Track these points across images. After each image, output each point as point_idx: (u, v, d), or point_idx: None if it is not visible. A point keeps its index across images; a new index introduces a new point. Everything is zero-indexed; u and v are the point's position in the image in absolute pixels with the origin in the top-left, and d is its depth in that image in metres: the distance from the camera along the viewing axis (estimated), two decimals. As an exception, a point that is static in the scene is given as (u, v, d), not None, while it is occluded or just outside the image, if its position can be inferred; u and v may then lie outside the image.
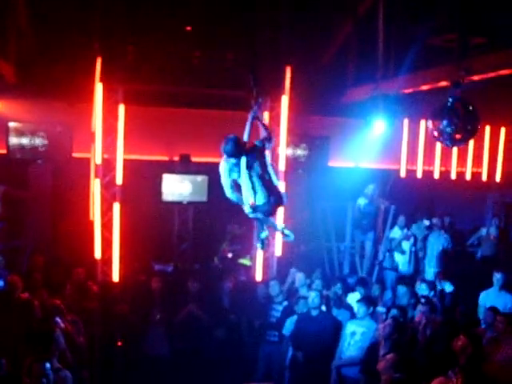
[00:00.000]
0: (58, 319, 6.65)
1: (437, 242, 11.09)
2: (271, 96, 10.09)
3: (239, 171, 5.61)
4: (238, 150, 5.57)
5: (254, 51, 8.53)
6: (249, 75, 6.31)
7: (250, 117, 6.01)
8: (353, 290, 9.18)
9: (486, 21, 8.09)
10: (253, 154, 5.70)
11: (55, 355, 5.73)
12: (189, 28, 9.99)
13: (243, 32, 9.48)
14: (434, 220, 11.36)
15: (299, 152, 11.44)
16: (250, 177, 5.64)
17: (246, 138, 5.86)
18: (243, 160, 5.59)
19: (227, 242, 11.18)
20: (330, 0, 9.80)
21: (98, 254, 9.62)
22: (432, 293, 8.59)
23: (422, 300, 7.88)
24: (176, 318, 8.97)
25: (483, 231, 11.77)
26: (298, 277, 9.25)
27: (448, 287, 8.80)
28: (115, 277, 9.64)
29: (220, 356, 8.82)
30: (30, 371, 5.21)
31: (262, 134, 6.00)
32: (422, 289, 8.72)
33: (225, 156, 5.63)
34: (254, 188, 5.66)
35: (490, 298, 8.45)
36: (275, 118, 10.17)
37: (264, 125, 6.15)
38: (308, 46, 10.60)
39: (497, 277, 8.52)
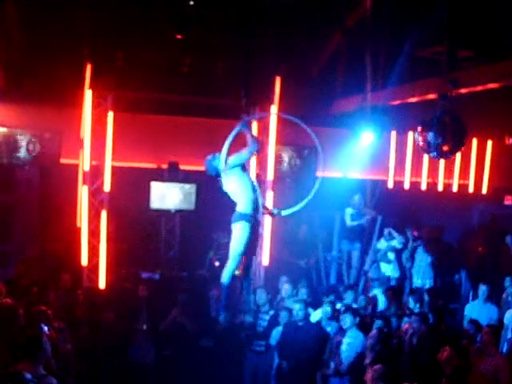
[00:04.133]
0: (43, 326, 6.59)
1: (425, 254, 11.11)
2: (260, 105, 10.13)
3: None
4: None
5: (248, 63, 8.59)
6: (238, 84, 6.39)
7: (238, 126, 6.08)
8: (341, 299, 9.21)
9: (474, 34, 8.18)
10: None
11: (41, 362, 5.67)
12: (179, 36, 10.02)
13: (233, 41, 9.54)
14: (424, 231, 11.39)
15: (287, 161, 11.46)
16: None
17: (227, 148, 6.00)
18: None
19: (214, 251, 11.16)
20: (320, 12, 9.85)
21: (84, 261, 9.57)
22: (418, 305, 8.62)
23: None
24: (161, 325, 8.94)
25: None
26: (285, 288, 9.25)
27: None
28: (101, 284, 9.59)
29: (206, 365, 8.79)
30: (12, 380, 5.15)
31: (250, 145, 6.04)
32: (408, 302, 8.76)
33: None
34: None
35: (475, 310, 8.50)
36: (264, 128, 10.20)
37: (253, 136, 6.21)
38: (298, 57, 10.66)
39: (482, 289, 8.58)
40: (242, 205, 5.85)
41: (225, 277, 6.07)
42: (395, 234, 11.16)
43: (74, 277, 9.24)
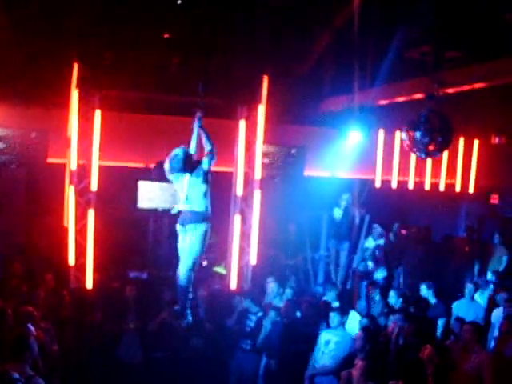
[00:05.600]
0: (30, 326, 6.57)
1: (414, 253, 11.16)
2: (248, 105, 10.13)
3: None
4: (184, 165, 6.12)
5: (206, 60, 8.60)
6: (226, 84, 6.43)
7: (195, 126, 6.25)
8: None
9: (461, 35, 8.23)
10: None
11: (28, 362, 5.66)
12: (167, 35, 9.99)
13: (222, 41, 9.53)
14: (413, 230, 11.45)
15: (275, 161, 11.45)
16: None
17: (193, 149, 6.15)
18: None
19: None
20: (308, 11, 9.86)
21: (71, 261, 9.54)
22: (400, 300, 8.66)
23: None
24: (150, 326, 8.91)
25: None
26: (271, 287, 9.26)
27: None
28: (89, 283, 9.55)
29: (194, 364, 8.78)
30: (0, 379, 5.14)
31: (206, 146, 6.23)
32: (391, 296, 8.80)
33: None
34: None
35: (461, 308, 8.56)
36: (252, 127, 10.20)
37: (208, 136, 6.31)
38: (285, 56, 10.66)
39: (469, 287, 8.64)
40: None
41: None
42: (376, 235, 11.21)
43: (60, 276, 9.20)
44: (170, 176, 6.30)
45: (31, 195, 10.82)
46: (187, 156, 6.16)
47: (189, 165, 6.15)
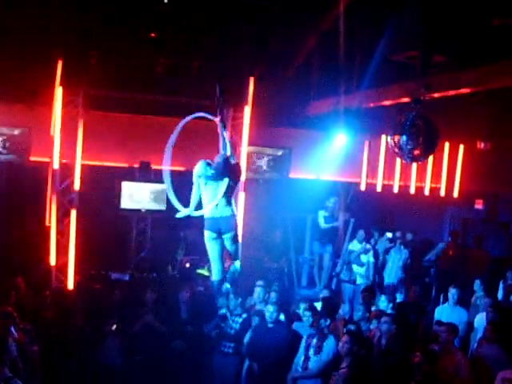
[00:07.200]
0: (12, 328, 6.48)
1: (398, 256, 11.18)
2: (234, 106, 10.09)
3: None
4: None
5: (221, 61, 8.58)
6: (213, 84, 6.40)
7: (220, 129, 6.23)
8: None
9: (448, 40, 8.24)
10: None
11: (6, 364, 5.57)
12: (153, 34, 9.93)
13: (208, 41, 9.49)
14: (397, 234, 11.46)
15: (261, 163, 11.44)
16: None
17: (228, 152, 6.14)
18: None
19: (182, 250, 11.08)
20: (295, 13, 9.84)
21: (52, 261, 9.44)
22: (391, 305, 8.66)
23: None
24: (132, 329, 8.83)
25: (440, 246, 11.91)
26: (257, 291, 9.20)
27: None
28: (70, 284, 9.46)
29: (177, 367, 8.72)
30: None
31: (226, 148, 6.19)
32: (381, 301, 8.78)
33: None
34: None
35: (445, 313, 8.57)
36: (237, 129, 10.17)
37: (226, 138, 6.29)
38: (272, 58, 10.64)
39: (452, 292, 8.64)
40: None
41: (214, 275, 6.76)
42: (361, 238, 11.21)
43: (41, 276, 9.10)
44: (199, 180, 6.28)
45: (13, 193, 10.70)
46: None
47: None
